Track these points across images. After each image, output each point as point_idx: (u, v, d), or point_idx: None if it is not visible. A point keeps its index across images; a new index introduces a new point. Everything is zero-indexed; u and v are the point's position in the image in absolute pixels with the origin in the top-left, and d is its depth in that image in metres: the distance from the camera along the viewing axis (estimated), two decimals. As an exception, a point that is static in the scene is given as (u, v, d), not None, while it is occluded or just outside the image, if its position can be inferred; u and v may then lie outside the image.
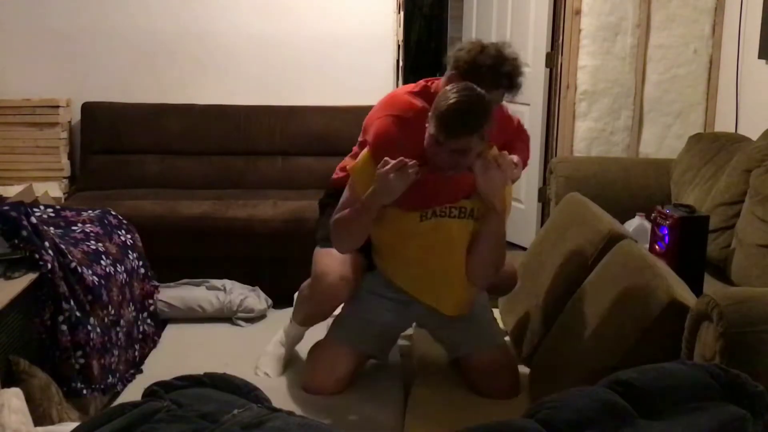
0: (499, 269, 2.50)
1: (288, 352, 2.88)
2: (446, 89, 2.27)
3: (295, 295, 3.35)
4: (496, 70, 2.36)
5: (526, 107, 4.42)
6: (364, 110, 4.39)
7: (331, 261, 2.56)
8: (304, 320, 2.81)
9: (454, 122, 2.19)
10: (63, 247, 2.57)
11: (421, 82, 2.55)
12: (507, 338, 2.79)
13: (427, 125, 2.27)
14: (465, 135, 2.20)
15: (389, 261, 2.53)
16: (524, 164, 2.70)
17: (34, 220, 2.51)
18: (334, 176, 2.78)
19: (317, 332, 2.81)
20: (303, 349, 2.93)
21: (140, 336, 3.03)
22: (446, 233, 2.41)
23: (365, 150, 2.48)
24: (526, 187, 4.51)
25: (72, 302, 2.49)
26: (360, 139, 2.66)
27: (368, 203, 2.32)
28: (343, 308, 2.69)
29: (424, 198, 2.37)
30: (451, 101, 2.20)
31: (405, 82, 4.96)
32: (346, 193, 2.46)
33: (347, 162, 2.69)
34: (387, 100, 2.56)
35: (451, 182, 2.36)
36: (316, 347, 2.70)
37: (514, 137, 2.66)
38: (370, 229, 2.42)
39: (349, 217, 2.38)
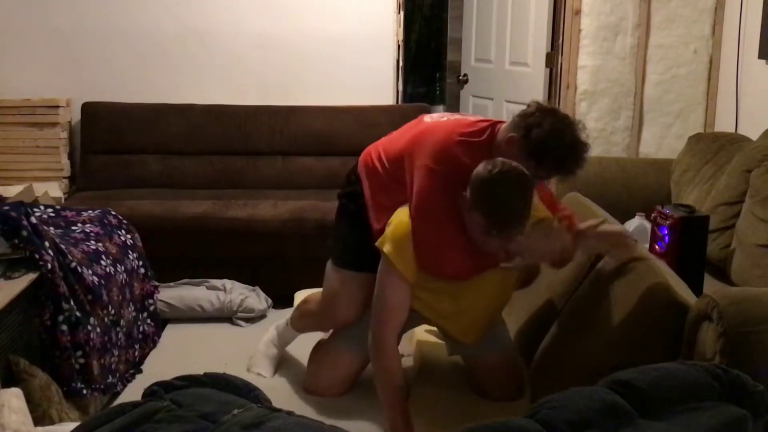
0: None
1: (280, 353, 2.91)
2: (492, 176, 2.09)
3: (296, 295, 3.36)
4: (563, 162, 2.19)
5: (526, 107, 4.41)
6: (364, 110, 4.41)
7: (344, 291, 2.54)
8: (302, 329, 2.85)
9: (507, 221, 2.12)
10: (63, 247, 2.57)
11: (483, 124, 2.33)
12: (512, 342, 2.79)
13: (469, 204, 2.14)
14: (518, 230, 2.14)
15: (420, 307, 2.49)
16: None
17: (34, 220, 2.51)
18: (362, 161, 2.54)
19: (311, 339, 2.85)
20: (294, 347, 2.94)
21: (140, 336, 3.03)
22: (476, 285, 2.39)
23: (402, 217, 2.30)
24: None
25: (72, 302, 2.49)
26: (393, 169, 2.41)
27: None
28: None
29: (468, 274, 2.33)
30: (502, 198, 2.09)
31: (405, 83, 4.97)
32: (381, 278, 2.33)
33: (380, 148, 2.50)
34: (437, 147, 2.28)
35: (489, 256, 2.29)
36: (320, 349, 2.72)
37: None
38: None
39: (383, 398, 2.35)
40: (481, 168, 2.12)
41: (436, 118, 2.46)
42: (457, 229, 2.23)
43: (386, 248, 2.28)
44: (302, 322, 2.82)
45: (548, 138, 2.15)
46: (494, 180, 2.09)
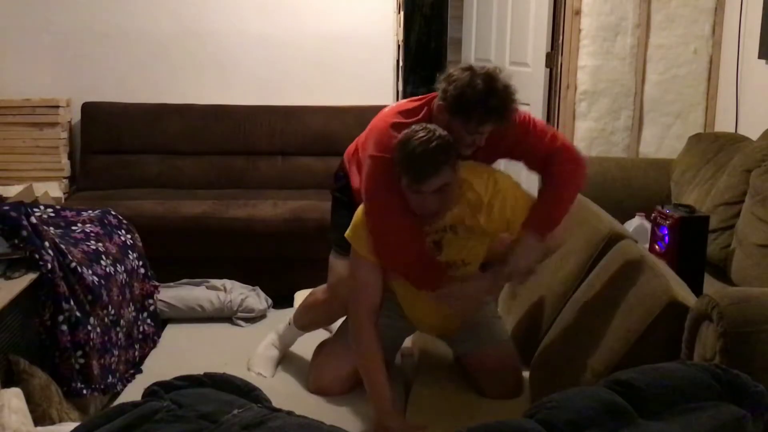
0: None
1: (281, 355, 2.91)
2: (401, 138, 2.21)
3: (296, 295, 3.36)
4: (484, 106, 2.19)
5: (526, 107, 4.41)
6: (364, 110, 4.41)
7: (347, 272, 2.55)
8: (307, 325, 2.84)
9: (419, 168, 2.16)
10: (63, 247, 2.57)
11: (420, 102, 2.39)
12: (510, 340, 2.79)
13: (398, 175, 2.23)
14: (433, 176, 2.16)
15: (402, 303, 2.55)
16: (565, 149, 2.37)
17: (34, 220, 2.51)
18: (345, 156, 2.66)
19: (310, 339, 2.87)
20: (294, 348, 2.94)
21: (140, 336, 3.03)
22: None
23: (359, 210, 2.38)
24: (526, 187, 4.51)
25: (72, 302, 2.49)
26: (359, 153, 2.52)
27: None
28: None
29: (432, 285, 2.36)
30: (408, 149, 2.17)
31: (405, 83, 4.97)
32: (351, 261, 2.41)
33: (358, 142, 2.58)
34: (374, 133, 2.38)
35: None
36: (323, 348, 2.73)
37: (522, 137, 2.38)
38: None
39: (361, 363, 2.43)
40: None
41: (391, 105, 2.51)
42: (404, 213, 2.27)
43: (347, 233, 2.39)
44: (308, 316, 2.81)
45: (462, 90, 2.19)
46: (402, 138, 2.20)
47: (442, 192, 2.20)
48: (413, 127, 2.22)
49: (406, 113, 2.35)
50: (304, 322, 2.85)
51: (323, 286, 2.74)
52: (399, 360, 2.84)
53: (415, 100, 2.41)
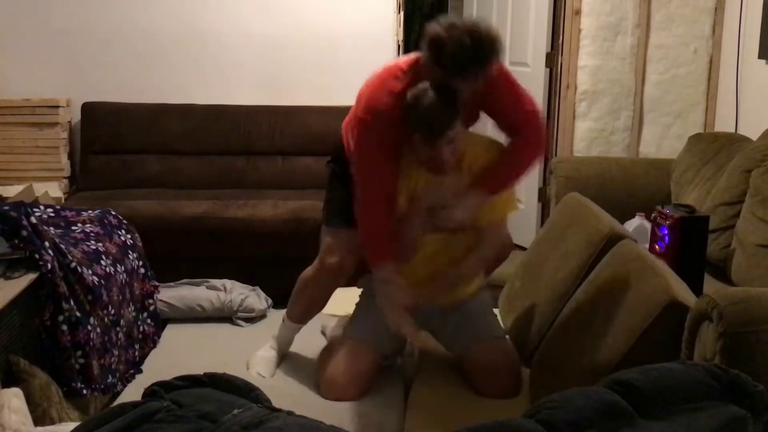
0: (500, 263, 2.66)
1: (280, 355, 2.89)
2: (411, 100, 2.29)
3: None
4: (466, 52, 2.19)
5: (526, 107, 4.41)
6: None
7: (337, 243, 2.63)
8: (302, 313, 2.83)
9: (435, 123, 2.27)
10: (63, 247, 2.57)
11: (409, 62, 2.42)
12: (507, 338, 2.79)
13: (409, 133, 2.32)
14: (448, 128, 2.27)
15: None
16: (531, 116, 2.52)
17: (34, 220, 2.51)
18: (343, 126, 2.66)
19: (309, 339, 2.88)
20: (294, 348, 2.94)
21: (140, 336, 3.03)
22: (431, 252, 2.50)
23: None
24: (526, 187, 4.51)
25: (72, 302, 2.49)
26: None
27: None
28: (355, 309, 2.72)
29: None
30: (422, 107, 2.26)
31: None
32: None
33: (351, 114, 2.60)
34: (365, 97, 2.44)
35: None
36: (331, 350, 2.70)
37: (504, 92, 2.47)
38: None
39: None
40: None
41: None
42: (389, 175, 2.38)
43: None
44: (300, 301, 2.79)
45: (442, 41, 2.21)
46: (412, 95, 2.29)
47: (453, 141, 2.30)
48: (418, 86, 2.29)
49: (394, 77, 2.39)
50: (299, 310, 2.82)
51: (309, 267, 2.77)
52: (399, 360, 2.84)
53: (402, 63, 2.45)
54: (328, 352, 2.74)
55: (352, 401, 2.54)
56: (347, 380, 2.57)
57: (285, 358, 2.92)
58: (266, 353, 2.87)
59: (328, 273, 2.67)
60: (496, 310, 2.92)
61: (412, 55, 2.43)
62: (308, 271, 2.77)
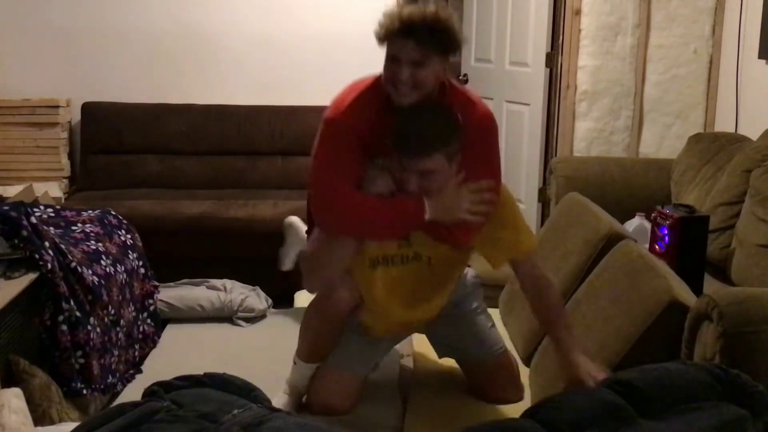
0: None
1: (295, 401, 2.50)
2: (407, 108, 2.05)
3: (296, 295, 3.34)
4: (407, 30, 2.01)
5: (526, 107, 4.42)
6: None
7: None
8: (312, 349, 2.48)
9: (416, 141, 2.02)
10: (63, 247, 2.57)
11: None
12: (507, 340, 2.78)
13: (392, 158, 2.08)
14: (425, 155, 2.02)
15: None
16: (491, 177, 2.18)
17: (34, 220, 2.51)
18: None
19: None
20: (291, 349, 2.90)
21: (140, 336, 3.03)
22: (412, 278, 2.30)
23: None
24: (526, 187, 4.51)
25: (72, 302, 2.49)
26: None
27: None
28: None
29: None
30: (414, 119, 2.04)
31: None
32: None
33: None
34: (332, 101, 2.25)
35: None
36: (317, 377, 2.49)
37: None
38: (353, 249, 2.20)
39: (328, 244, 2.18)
40: None
41: None
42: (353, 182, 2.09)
43: None
44: (309, 332, 2.48)
45: (387, 27, 2.06)
46: (407, 112, 2.05)
47: (426, 177, 2.05)
48: (426, 104, 2.06)
49: (361, 81, 2.22)
50: (307, 345, 2.49)
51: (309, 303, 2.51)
52: (398, 362, 2.83)
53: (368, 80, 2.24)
54: (314, 377, 2.50)
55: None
56: (332, 403, 2.41)
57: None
58: (280, 401, 2.48)
59: (326, 298, 2.36)
60: (495, 310, 2.92)
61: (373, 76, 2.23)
62: (310, 304, 2.47)
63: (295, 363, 2.50)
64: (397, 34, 2.03)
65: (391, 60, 2.07)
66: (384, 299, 2.32)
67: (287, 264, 3.28)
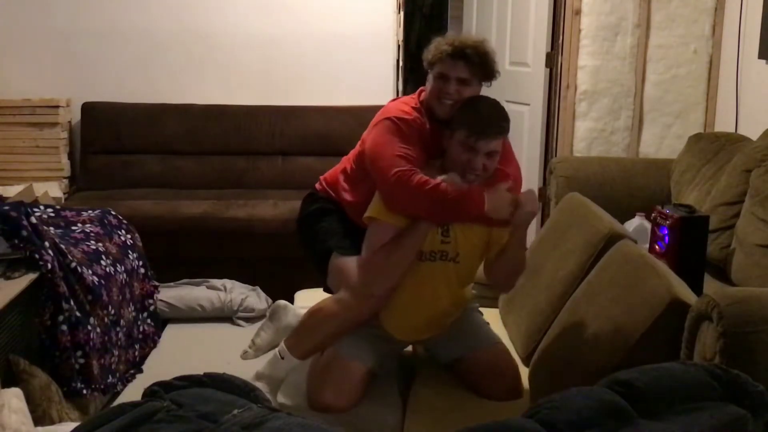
0: (520, 274, 2.49)
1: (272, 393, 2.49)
2: (467, 98, 2.36)
3: (296, 295, 3.32)
4: (453, 51, 2.36)
5: (526, 107, 4.42)
6: (364, 110, 4.41)
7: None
8: (314, 349, 2.51)
9: (489, 123, 2.30)
10: (63, 247, 2.57)
11: (414, 95, 2.52)
12: (507, 339, 2.79)
13: (451, 134, 2.33)
14: (498, 135, 2.31)
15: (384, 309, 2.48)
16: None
17: (34, 220, 2.51)
18: (325, 182, 2.63)
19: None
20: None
21: (140, 336, 3.03)
22: (431, 279, 2.40)
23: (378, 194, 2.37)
24: (526, 187, 4.50)
25: (72, 302, 2.49)
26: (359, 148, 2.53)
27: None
28: None
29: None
30: (481, 104, 2.33)
31: (405, 82, 4.97)
32: (372, 239, 2.36)
33: (336, 172, 2.61)
34: (380, 112, 2.48)
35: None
36: (321, 363, 2.50)
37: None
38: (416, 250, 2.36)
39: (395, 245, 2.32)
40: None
41: None
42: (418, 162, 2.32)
43: (370, 213, 2.37)
44: (313, 334, 2.50)
45: (435, 47, 2.42)
46: (468, 99, 2.37)
47: (490, 157, 2.30)
48: (479, 96, 2.40)
49: (404, 100, 2.51)
50: (313, 346, 2.50)
51: (324, 300, 2.52)
52: (398, 361, 2.83)
53: (410, 97, 2.53)
54: (317, 363, 2.53)
55: (339, 413, 2.40)
56: (336, 395, 2.42)
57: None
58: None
59: (360, 303, 2.40)
60: (495, 310, 2.93)
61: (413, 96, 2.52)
62: (330, 305, 2.47)
63: (282, 358, 2.52)
64: (450, 55, 2.37)
65: (440, 77, 2.38)
66: (410, 298, 2.42)
67: (257, 346, 2.97)
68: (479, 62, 2.37)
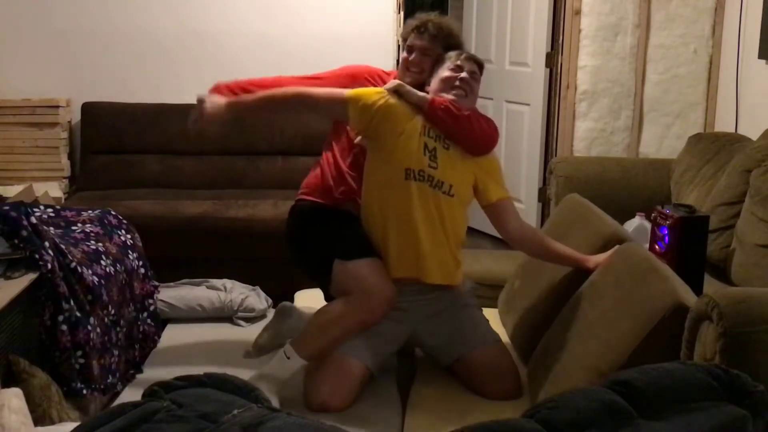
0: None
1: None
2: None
3: (296, 295, 3.33)
4: (422, 26, 2.61)
5: (526, 107, 4.42)
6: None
7: (377, 274, 2.45)
8: (325, 350, 2.48)
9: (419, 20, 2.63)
10: (63, 247, 2.57)
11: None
12: (506, 339, 2.79)
13: (438, 69, 2.57)
14: (477, 63, 2.60)
15: (377, 225, 2.50)
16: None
17: (34, 220, 2.51)
18: (305, 195, 2.77)
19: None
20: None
21: (140, 336, 3.03)
22: (434, 206, 2.45)
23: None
24: (526, 187, 4.51)
25: (72, 302, 2.49)
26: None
27: None
28: None
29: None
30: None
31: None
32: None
33: (318, 176, 2.80)
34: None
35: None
36: (319, 362, 2.50)
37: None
38: None
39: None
40: None
41: None
42: None
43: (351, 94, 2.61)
44: (323, 336, 2.48)
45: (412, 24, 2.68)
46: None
47: (472, 78, 2.56)
48: None
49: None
50: (324, 347, 2.48)
51: (331, 304, 2.53)
52: (397, 360, 2.83)
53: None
54: (315, 362, 2.52)
55: (336, 412, 2.39)
56: (332, 393, 2.42)
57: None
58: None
59: (370, 306, 2.42)
60: (495, 310, 2.92)
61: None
62: (339, 308, 2.47)
63: (288, 357, 2.50)
64: (414, 28, 2.63)
65: (407, 50, 2.65)
66: (418, 218, 2.45)
67: (259, 346, 2.92)
68: (438, 34, 2.59)
